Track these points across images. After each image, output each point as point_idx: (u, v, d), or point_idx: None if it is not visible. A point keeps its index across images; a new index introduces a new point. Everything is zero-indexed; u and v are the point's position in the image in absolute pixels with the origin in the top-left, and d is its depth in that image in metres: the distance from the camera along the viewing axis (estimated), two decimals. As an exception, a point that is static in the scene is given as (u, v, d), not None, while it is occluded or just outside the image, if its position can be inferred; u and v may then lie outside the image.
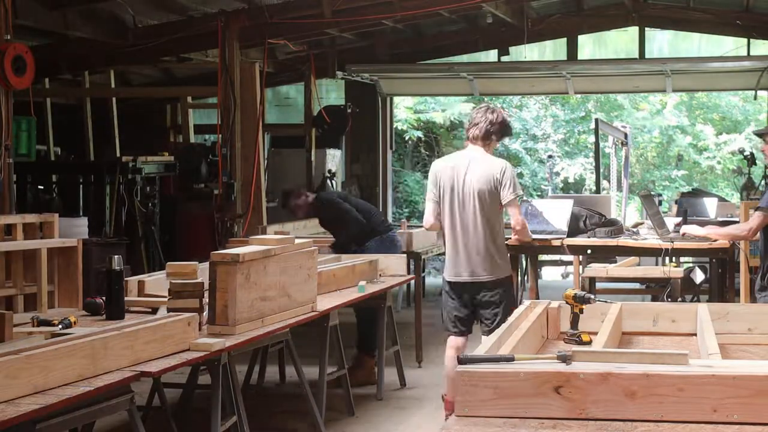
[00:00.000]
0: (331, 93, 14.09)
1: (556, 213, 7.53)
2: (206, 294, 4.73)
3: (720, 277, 7.50)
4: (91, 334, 3.87)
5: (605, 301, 4.24)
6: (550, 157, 16.20)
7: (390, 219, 14.05)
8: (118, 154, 11.56)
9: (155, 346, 4.07)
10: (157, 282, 5.48)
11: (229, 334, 4.55)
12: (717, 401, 2.53)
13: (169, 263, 5.48)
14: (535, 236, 7.25)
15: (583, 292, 4.06)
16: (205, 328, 4.63)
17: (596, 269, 8.26)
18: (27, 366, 3.43)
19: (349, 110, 12.40)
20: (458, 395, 2.63)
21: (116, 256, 4.85)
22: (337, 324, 6.28)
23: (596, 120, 14.37)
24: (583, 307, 3.99)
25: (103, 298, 4.96)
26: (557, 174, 20.20)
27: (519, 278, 8.16)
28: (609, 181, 15.33)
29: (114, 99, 12.29)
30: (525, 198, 8.28)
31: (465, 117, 20.33)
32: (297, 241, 5.37)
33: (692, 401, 2.53)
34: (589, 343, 3.72)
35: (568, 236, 7.46)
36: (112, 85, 12.30)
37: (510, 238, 6.64)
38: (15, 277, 6.09)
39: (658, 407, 2.54)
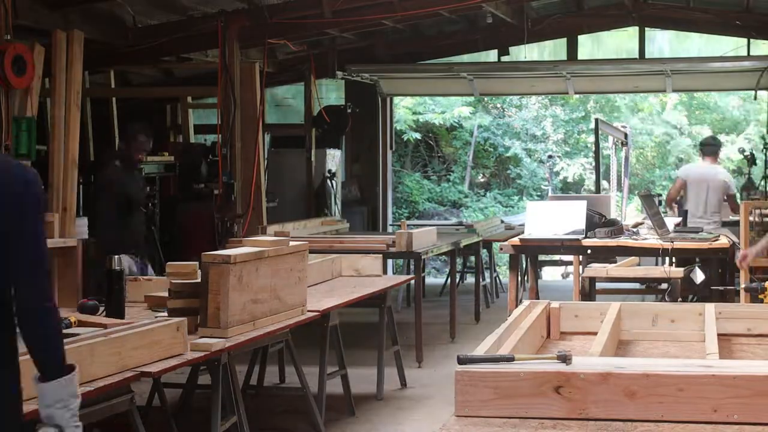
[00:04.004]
0: (331, 93, 14.09)
1: (572, 214, 7.57)
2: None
3: (720, 277, 7.50)
4: (77, 340, 3.81)
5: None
6: (550, 157, 16.23)
7: (390, 219, 14.03)
8: (118, 154, 11.56)
9: (143, 353, 3.99)
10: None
11: (221, 337, 4.51)
12: (717, 401, 2.53)
13: (169, 263, 5.48)
14: (554, 237, 7.32)
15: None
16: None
17: (596, 269, 8.27)
18: None
19: (349, 110, 12.40)
20: (458, 395, 2.63)
21: (116, 256, 4.85)
22: (337, 324, 6.28)
23: (596, 120, 14.37)
24: None
25: (100, 298, 4.93)
26: (557, 174, 20.22)
27: (519, 278, 8.16)
28: (609, 181, 15.33)
29: (114, 99, 12.29)
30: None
31: (463, 119, 20.36)
32: (291, 243, 5.36)
33: (692, 401, 2.53)
34: None
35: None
36: (112, 85, 12.30)
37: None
38: (15, 277, 6.09)
39: (658, 407, 2.54)
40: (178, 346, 4.21)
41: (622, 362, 2.73)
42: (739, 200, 9.08)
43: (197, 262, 5.06)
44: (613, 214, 10.30)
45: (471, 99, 20.00)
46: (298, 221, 10.06)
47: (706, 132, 21.14)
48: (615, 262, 8.72)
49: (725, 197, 9.19)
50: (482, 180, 21.94)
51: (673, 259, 7.72)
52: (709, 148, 9.52)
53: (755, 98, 13.75)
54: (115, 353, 3.84)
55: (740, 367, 2.67)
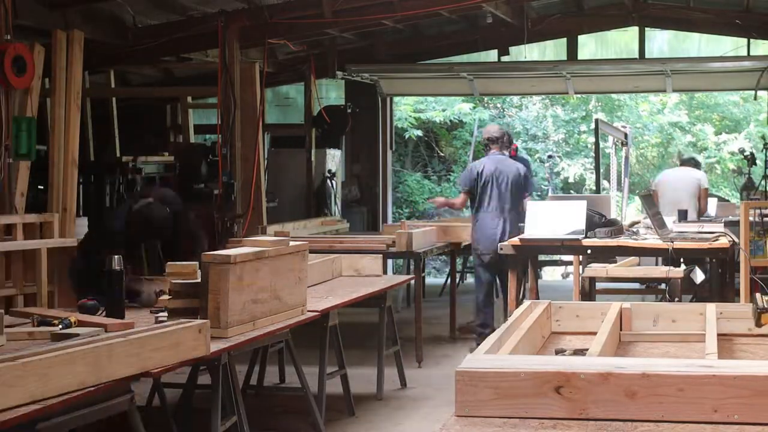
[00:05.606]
0: (331, 93, 14.08)
1: (572, 214, 7.56)
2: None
3: (720, 277, 7.49)
4: (95, 341, 3.76)
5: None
6: (550, 157, 16.23)
7: (390, 219, 14.02)
8: (118, 154, 11.57)
9: (165, 354, 3.92)
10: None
11: (221, 336, 4.50)
12: (718, 401, 2.52)
13: (169, 263, 5.47)
14: (554, 237, 7.32)
15: None
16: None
17: (596, 269, 8.26)
18: (24, 374, 3.29)
19: (349, 110, 12.40)
20: (458, 395, 2.63)
21: (116, 256, 4.84)
22: (336, 324, 6.28)
23: (596, 120, 14.38)
24: None
25: (94, 298, 4.91)
26: (557, 174, 20.22)
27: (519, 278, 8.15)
28: (609, 181, 15.34)
29: (114, 99, 12.29)
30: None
31: (464, 116, 20.36)
32: (292, 243, 5.36)
33: (693, 401, 2.53)
34: None
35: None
36: (112, 85, 12.30)
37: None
38: (15, 277, 6.10)
39: (658, 407, 2.54)
40: (200, 348, 4.15)
41: (622, 362, 2.72)
42: (739, 199, 9.14)
43: (197, 262, 5.06)
44: (614, 214, 10.30)
45: (471, 98, 19.97)
46: (298, 221, 10.06)
47: (708, 130, 21.17)
48: (615, 262, 8.72)
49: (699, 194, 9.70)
50: (482, 180, 21.94)
51: (681, 260, 7.71)
52: (688, 162, 10.08)
53: (755, 98, 13.74)
54: (133, 354, 3.76)
55: (740, 367, 2.67)
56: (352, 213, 12.81)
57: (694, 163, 10.35)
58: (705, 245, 7.16)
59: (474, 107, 20.53)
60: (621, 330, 4.05)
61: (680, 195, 9.68)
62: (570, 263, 11.79)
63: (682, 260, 7.77)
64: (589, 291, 8.30)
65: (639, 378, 2.56)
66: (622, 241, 7.46)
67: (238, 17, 9.24)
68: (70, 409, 3.52)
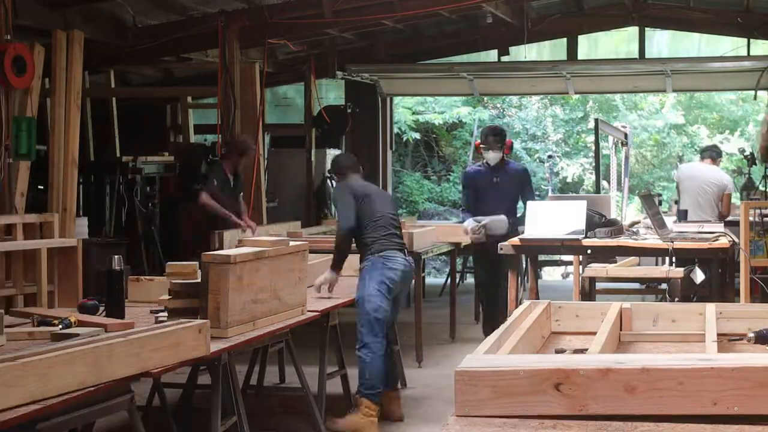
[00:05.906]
0: (331, 93, 14.08)
1: (572, 214, 7.56)
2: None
3: (720, 277, 7.49)
4: (95, 341, 3.75)
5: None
6: (550, 157, 16.22)
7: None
8: (118, 154, 11.57)
9: (165, 354, 3.91)
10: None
11: (221, 336, 4.51)
12: (717, 394, 2.52)
13: (169, 263, 5.48)
14: (554, 237, 7.32)
15: None
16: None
17: (596, 269, 8.26)
18: (24, 374, 3.27)
19: (349, 110, 12.40)
20: (458, 395, 2.63)
21: (116, 256, 4.84)
22: (336, 324, 6.28)
23: (596, 120, 14.37)
24: None
25: (97, 298, 4.92)
26: (557, 174, 20.21)
27: (519, 278, 8.16)
28: (609, 181, 15.33)
29: (114, 99, 12.30)
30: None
31: (464, 118, 20.35)
32: (291, 243, 5.36)
33: (692, 395, 2.53)
34: None
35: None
36: (112, 85, 12.30)
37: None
38: (15, 277, 6.10)
39: (658, 401, 2.54)
40: (200, 348, 4.14)
41: (621, 358, 2.73)
42: (739, 199, 9.13)
43: (197, 262, 5.06)
44: (613, 214, 10.30)
45: (469, 101, 19.96)
46: (297, 221, 10.05)
47: (703, 131, 21.18)
48: (615, 262, 8.72)
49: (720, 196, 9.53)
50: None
51: (673, 260, 7.70)
52: (708, 152, 9.85)
53: (755, 98, 13.74)
54: (133, 354, 3.75)
55: (739, 359, 2.67)
56: (352, 213, 12.78)
57: (715, 155, 10.10)
58: (705, 245, 7.16)
59: (474, 107, 20.51)
60: (621, 330, 4.04)
61: (704, 197, 9.55)
62: (570, 263, 11.79)
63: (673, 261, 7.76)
64: (589, 291, 8.30)
65: (638, 373, 2.56)
66: (622, 241, 7.46)
67: (238, 17, 9.25)
68: (70, 409, 3.52)
